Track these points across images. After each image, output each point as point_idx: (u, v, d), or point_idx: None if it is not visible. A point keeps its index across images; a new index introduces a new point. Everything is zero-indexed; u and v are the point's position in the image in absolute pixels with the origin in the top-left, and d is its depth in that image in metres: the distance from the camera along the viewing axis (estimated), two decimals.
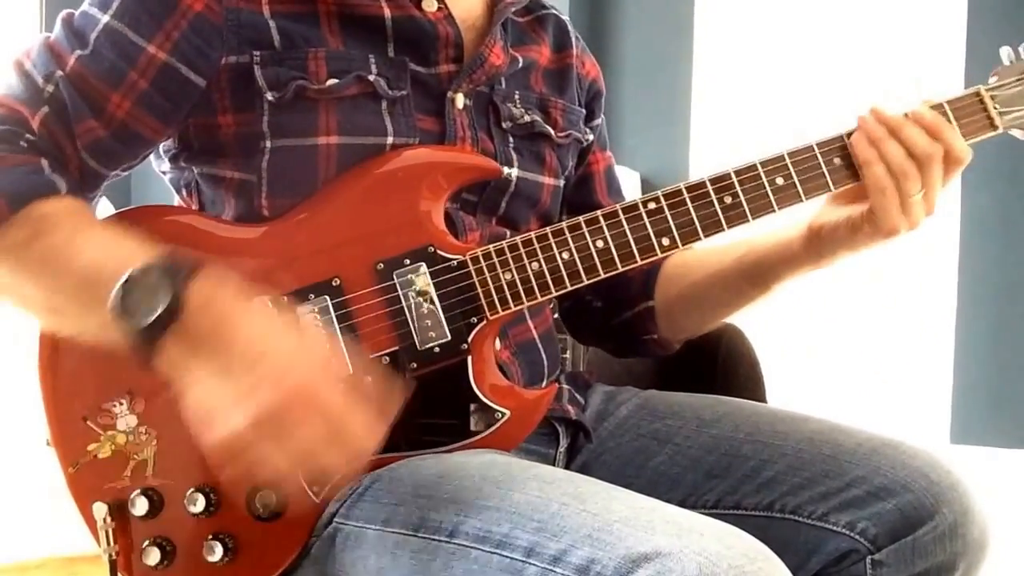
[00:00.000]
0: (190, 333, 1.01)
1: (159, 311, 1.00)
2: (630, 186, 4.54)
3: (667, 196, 1.22)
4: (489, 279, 1.19)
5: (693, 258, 1.44)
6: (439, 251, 1.18)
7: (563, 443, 1.33)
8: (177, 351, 1.02)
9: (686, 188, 1.22)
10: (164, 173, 1.31)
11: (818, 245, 1.31)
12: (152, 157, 1.29)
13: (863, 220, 1.26)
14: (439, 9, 1.27)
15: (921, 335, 4.24)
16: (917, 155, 1.23)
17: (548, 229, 1.21)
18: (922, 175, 1.23)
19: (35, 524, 3.01)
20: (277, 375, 0.99)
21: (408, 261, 1.17)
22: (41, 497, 2.85)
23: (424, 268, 1.17)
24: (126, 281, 1.02)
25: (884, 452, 1.25)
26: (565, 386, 1.36)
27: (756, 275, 1.38)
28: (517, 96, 1.33)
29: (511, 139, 1.32)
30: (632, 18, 4.83)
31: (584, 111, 1.45)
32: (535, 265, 1.20)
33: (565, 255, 1.20)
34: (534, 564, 0.99)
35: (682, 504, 1.25)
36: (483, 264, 1.19)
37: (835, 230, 1.29)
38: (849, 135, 1.26)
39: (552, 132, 1.36)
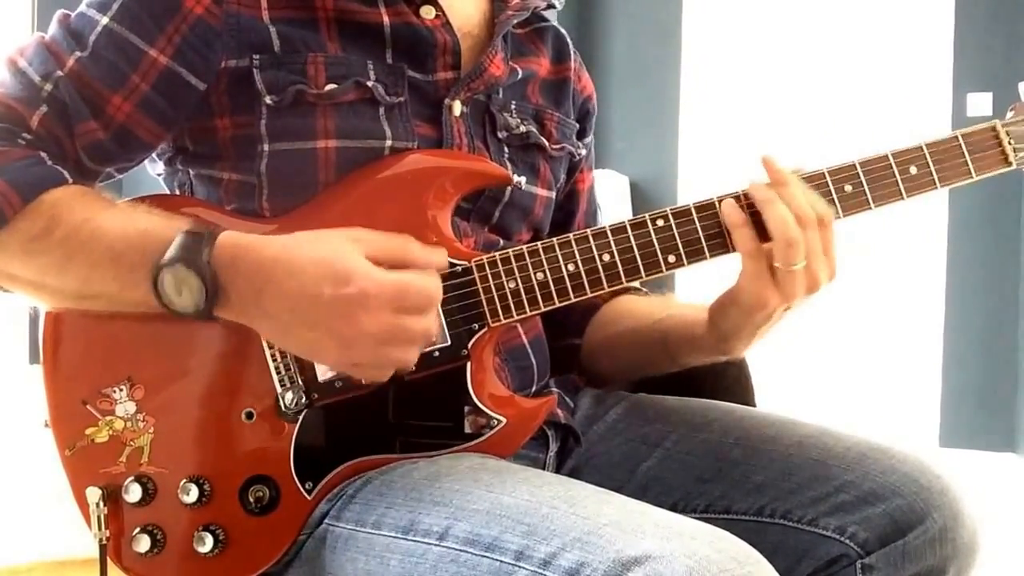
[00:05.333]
0: (234, 301, 1.09)
1: (199, 301, 1.07)
2: (619, 190, 4.55)
3: (676, 214, 1.21)
4: (493, 287, 1.19)
5: (625, 308, 1.44)
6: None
7: (553, 447, 1.33)
8: (233, 315, 1.10)
9: (695, 207, 1.22)
10: (159, 175, 1.32)
11: (715, 325, 1.29)
12: (146, 160, 1.29)
13: (734, 293, 1.23)
14: (437, 17, 1.27)
15: (910, 340, 4.25)
16: (798, 217, 1.18)
17: (555, 240, 1.20)
18: (805, 240, 1.18)
19: (24, 528, 3.01)
20: (333, 308, 1.06)
21: None
22: (31, 501, 2.85)
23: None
24: (155, 279, 1.07)
25: (873, 457, 1.25)
26: (555, 390, 1.36)
27: (665, 346, 1.38)
28: (513, 106, 1.33)
29: (506, 149, 1.32)
30: (620, 23, 4.84)
31: (577, 125, 1.45)
32: (540, 275, 1.19)
33: (571, 267, 1.20)
34: (524, 567, 0.99)
35: (672, 508, 1.25)
36: (488, 271, 1.19)
37: (721, 306, 1.27)
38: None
39: (546, 144, 1.36)
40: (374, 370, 1.11)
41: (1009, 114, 1.31)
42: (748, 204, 1.21)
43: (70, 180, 1.14)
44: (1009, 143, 1.29)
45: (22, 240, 1.12)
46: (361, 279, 1.06)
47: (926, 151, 1.26)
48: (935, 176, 1.26)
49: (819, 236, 1.19)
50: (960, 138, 1.27)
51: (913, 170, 1.26)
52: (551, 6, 1.40)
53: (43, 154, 1.15)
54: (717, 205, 1.21)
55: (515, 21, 1.34)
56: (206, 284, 1.06)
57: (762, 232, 1.20)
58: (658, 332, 1.38)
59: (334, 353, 1.09)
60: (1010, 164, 1.29)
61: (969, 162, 1.27)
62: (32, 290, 1.17)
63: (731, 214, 1.20)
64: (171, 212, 1.15)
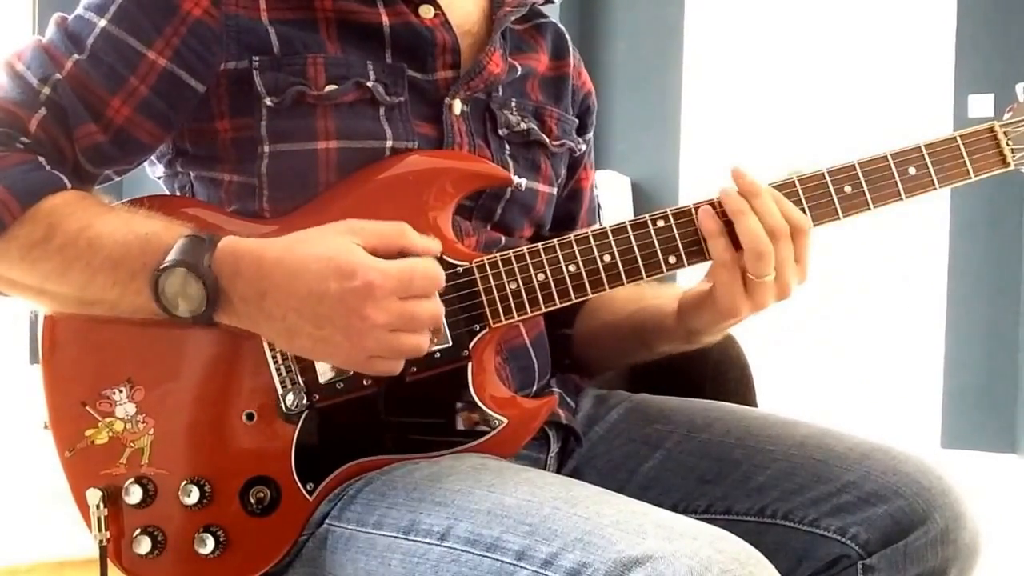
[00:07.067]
0: (236, 305, 1.09)
1: (200, 306, 1.07)
2: (621, 191, 4.55)
3: (676, 215, 1.22)
4: (494, 287, 1.19)
5: (605, 300, 1.43)
6: (446, 257, 1.18)
7: (554, 447, 1.33)
8: (235, 320, 1.10)
9: (695, 208, 1.22)
10: (159, 178, 1.31)
11: (684, 320, 1.31)
12: (146, 163, 1.29)
13: (708, 297, 1.25)
14: (436, 16, 1.27)
15: (911, 341, 4.25)
16: (770, 230, 1.19)
17: (556, 241, 1.20)
18: (776, 252, 1.20)
19: (25, 529, 3.01)
20: (341, 303, 1.06)
21: None
22: (31, 502, 2.85)
23: None
24: (155, 284, 1.07)
25: (875, 457, 1.25)
26: (556, 390, 1.36)
27: (640, 336, 1.39)
28: (513, 103, 1.33)
29: (507, 146, 1.32)
30: (623, 25, 4.84)
31: (577, 121, 1.45)
32: (541, 276, 1.20)
33: (572, 268, 1.20)
34: (525, 567, 0.99)
35: (673, 509, 1.25)
36: (489, 272, 1.19)
37: (693, 305, 1.29)
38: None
39: (547, 140, 1.36)
40: (387, 361, 1.10)
41: (1007, 115, 1.32)
42: (722, 212, 1.21)
43: (69, 185, 1.14)
44: (1007, 144, 1.29)
45: (21, 247, 1.12)
46: (366, 271, 1.06)
47: (925, 152, 1.27)
48: (934, 177, 1.27)
49: (791, 247, 1.20)
50: (959, 139, 1.28)
51: (912, 171, 1.26)
52: (549, 1, 1.40)
53: (41, 158, 1.14)
54: (693, 213, 1.22)
55: (513, 17, 1.33)
56: (207, 288, 1.06)
57: (737, 241, 1.20)
58: (634, 323, 1.40)
59: (345, 348, 1.08)
60: (1008, 165, 1.30)
61: (968, 163, 1.27)
62: (33, 296, 1.17)
63: (707, 223, 1.21)
64: (171, 215, 1.15)
